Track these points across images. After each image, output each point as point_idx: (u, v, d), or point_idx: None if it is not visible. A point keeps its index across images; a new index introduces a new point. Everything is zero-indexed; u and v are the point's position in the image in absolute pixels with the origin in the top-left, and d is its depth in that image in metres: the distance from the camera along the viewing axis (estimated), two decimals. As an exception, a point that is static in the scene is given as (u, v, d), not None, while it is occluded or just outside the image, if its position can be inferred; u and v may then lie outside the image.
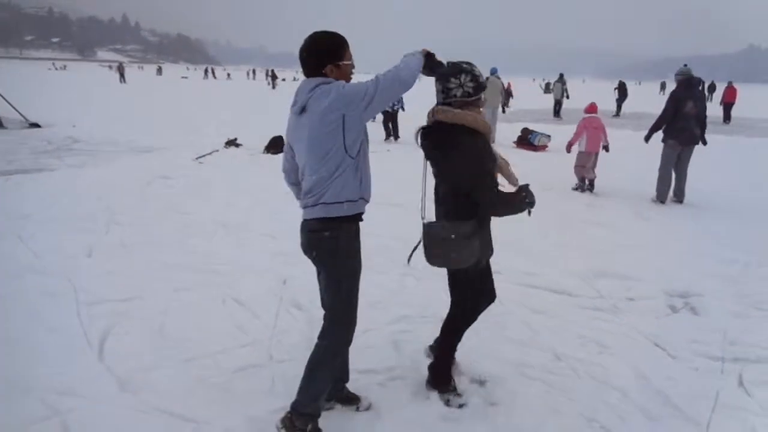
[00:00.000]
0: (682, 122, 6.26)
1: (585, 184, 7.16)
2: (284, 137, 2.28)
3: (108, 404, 2.47)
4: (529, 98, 29.23)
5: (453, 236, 2.26)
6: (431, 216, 2.44)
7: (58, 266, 4.02)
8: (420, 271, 3.93)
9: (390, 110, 11.25)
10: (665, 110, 6.40)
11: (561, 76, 20.35)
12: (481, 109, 2.37)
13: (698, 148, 6.54)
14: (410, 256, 2.43)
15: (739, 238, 5.18)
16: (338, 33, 2.05)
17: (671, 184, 6.58)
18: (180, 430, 2.32)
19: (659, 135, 6.58)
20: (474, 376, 2.75)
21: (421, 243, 2.38)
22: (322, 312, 2.27)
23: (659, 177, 6.58)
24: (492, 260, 4.56)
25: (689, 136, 6.32)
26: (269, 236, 4.93)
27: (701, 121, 6.36)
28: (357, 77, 2.13)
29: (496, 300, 3.65)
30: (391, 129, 11.57)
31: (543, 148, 10.94)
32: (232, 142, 10.11)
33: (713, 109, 21.89)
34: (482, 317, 3.41)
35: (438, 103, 2.31)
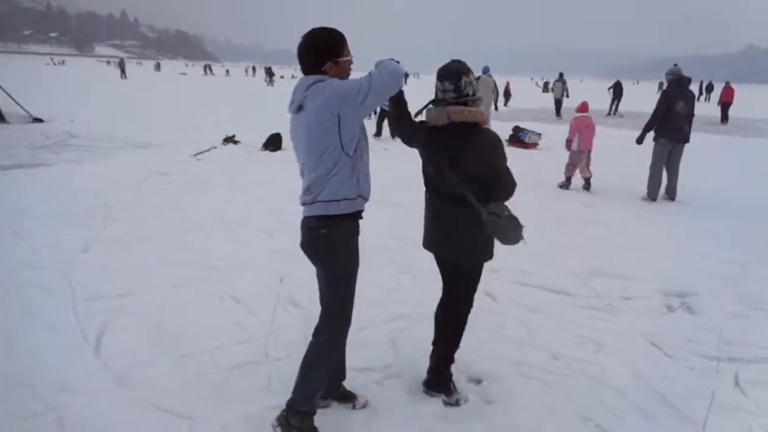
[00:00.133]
0: (674, 121, 6.36)
1: (571, 183, 7.24)
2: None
3: (104, 400, 2.47)
4: (528, 97, 29.24)
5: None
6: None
7: (55, 261, 4.01)
8: (416, 269, 3.94)
9: (385, 108, 11.21)
10: (657, 110, 6.48)
11: (561, 75, 20.36)
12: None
13: (695, 147, 6.58)
14: None
15: (736, 237, 5.19)
16: (336, 29, 2.05)
17: (662, 182, 6.68)
18: (176, 427, 2.31)
19: (651, 133, 6.65)
20: (471, 375, 2.75)
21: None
22: (318, 309, 2.27)
23: (650, 175, 6.68)
24: (490, 259, 4.55)
25: (681, 135, 6.43)
26: (267, 233, 4.93)
27: (690, 119, 6.48)
28: (355, 75, 2.13)
29: (494, 299, 3.67)
30: (383, 128, 11.55)
31: (534, 145, 11.12)
32: (230, 139, 10.08)
33: (711, 109, 21.99)
34: (480, 316, 3.42)
35: (448, 103, 2.28)
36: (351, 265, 2.17)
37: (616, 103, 20.84)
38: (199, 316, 3.29)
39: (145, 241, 4.56)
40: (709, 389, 2.66)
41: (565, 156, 7.33)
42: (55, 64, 68.32)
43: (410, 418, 2.43)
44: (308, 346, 2.22)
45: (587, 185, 7.17)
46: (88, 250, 4.33)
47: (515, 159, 9.37)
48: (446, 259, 2.53)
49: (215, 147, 9.56)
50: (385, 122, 11.68)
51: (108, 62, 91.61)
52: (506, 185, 2.30)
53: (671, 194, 6.71)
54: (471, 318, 3.29)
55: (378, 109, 10.93)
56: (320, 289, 2.24)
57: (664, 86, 7.11)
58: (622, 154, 8.91)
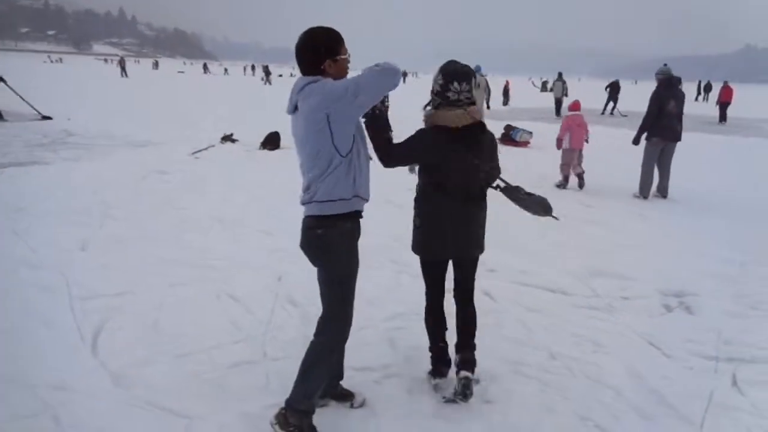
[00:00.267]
0: (666, 120, 6.47)
1: (568, 182, 7.29)
2: None
3: (101, 399, 2.46)
4: (527, 97, 29.25)
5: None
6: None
7: (53, 260, 4.00)
8: (415, 269, 3.92)
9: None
10: (650, 110, 6.58)
11: (560, 75, 20.38)
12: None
13: (694, 147, 6.61)
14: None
15: (735, 237, 5.19)
16: (333, 28, 2.06)
17: (654, 180, 6.76)
18: (173, 426, 2.31)
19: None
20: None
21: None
22: (317, 309, 2.26)
23: (642, 173, 6.76)
24: (488, 259, 4.57)
25: (673, 134, 6.54)
26: (265, 232, 4.92)
27: (681, 118, 6.59)
28: (353, 74, 2.12)
29: (493, 299, 3.67)
30: None
31: (525, 144, 11.23)
32: (228, 138, 10.06)
33: (709, 109, 22.01)
34: (478, 316, 3.41)
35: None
36: (349, 265, 2.16)
37: (612, 102, 20.83)
38: (197, 315, 3.28)
39: (143, 240, 4.55)
40: (707, 389, 2.66)
41: (560, 155, 7.34)
42: (52, 62, 68.12)
43: (408, 417, 2.42)
44: (309, 346, 2.22)
45: (581, 181, 7.24)
46: (86, 249, 4.31)
47: (512, 158, 9.47)
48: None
49: (213, 146, 9.54)
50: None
51: (106, 60, 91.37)
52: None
53: (663, 192, 6.79)
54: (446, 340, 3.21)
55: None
56: (320, 289, 2.23)
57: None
58: (621, 153, 8.92)
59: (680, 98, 6.59)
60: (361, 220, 2.19)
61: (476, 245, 2.59)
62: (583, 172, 7.23)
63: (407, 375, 2.73)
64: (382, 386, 2.64)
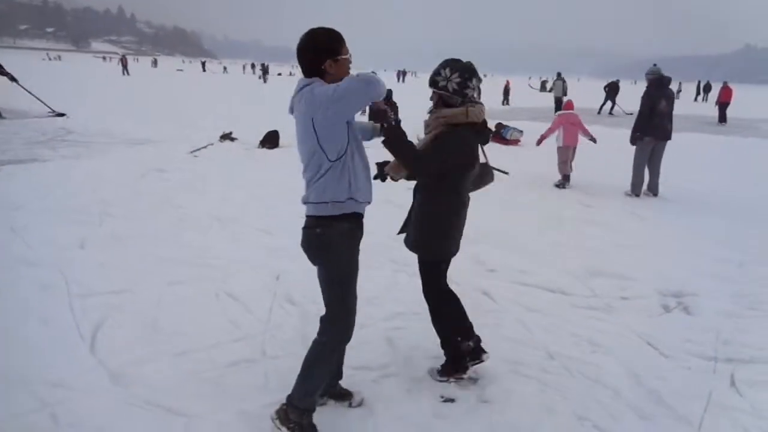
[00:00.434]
0: (657, 119, 6.60)
1: (569, 181, 7.34)
2: None
3: (99, 397, 2.46)
4: (528, 97, 29.26)
5: None
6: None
7: (51, 258, 3.99)
8: (413, 268, 3.93)
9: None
10: (642, 109, 6.70)
11: (559, 74, 20.39)
12: None
13: (694, 147, 6.64)
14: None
15: (734, 237, 5.20)
16: (334, 28, 2.07)
17: (645, 178, 6.87)
18: (172, 424, 2.31)
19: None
20: (468, 374, 2.75)
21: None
22: (316, 307, 2.27)
23: (634, 172, 6.87)
24: (487, 258, 4.59)
25: (663, 133, 6.68)
26: (264, 231, 4.91)
27: (671, 117, 6.75)
28: (352, 72, 2.12)
29: (492, 298, 3.67)
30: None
31: (515, 142, 11.29)
32: (227, 136, 10.05)
33: (709, 109, 22.02)
34: (477, 315, 3.42)
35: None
36: (348, 265, 2.17)
37: (610, 102, 20.81)
38: (196, 313, 3.28)
39: (142, 239, 4.54)
40: (705, 389, 2.66)
41: (545, 152, 7.41)
42: (51, 59, 67.98)
43: (406, 416, 2.42)
44: (311, 345, 2.23)
45: (567, 180, 7.36)
46: (85, 247, 4.31)
47: (505, 156, 9.53)
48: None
49: (212, 144, 9.53)
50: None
51: (104, 58, 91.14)
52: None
53: (654, 190, 6.91)
54: (469, 317, 3.30)
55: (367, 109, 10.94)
56: (321, 288, 2.24)
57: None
58: (620, 153, 8.91)
59: (670, 98, 6.75)
60: (361, 220, 2.19)
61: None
62: (572, 171, 7.34)
63: (406, 374, 2.73)
64: (381, 386, 2.64)
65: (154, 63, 67.04)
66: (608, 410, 2.50)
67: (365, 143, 2.25)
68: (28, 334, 2.96)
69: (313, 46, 2.03)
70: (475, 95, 2.40)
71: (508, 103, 23.89)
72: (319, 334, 2.23)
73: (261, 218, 5.28)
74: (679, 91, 40.59)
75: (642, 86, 7.19)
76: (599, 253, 4.61)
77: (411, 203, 2.64)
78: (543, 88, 37.72)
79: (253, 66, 63.70)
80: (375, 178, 2.41)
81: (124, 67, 38.45)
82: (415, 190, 2.59)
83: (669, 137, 6.74)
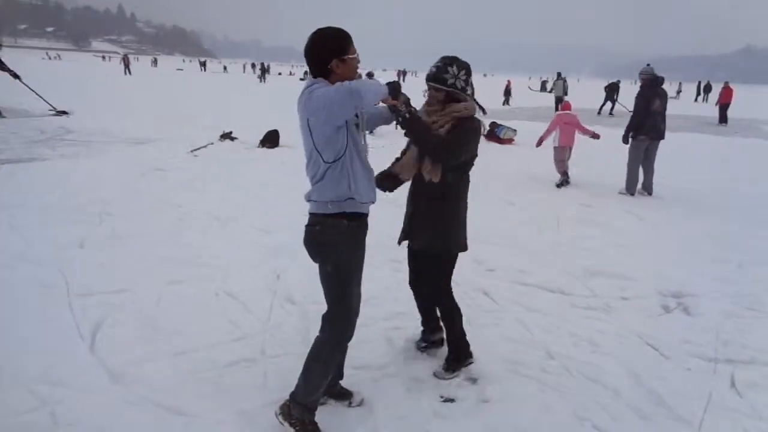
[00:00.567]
0: (651, 119, 6.68)
1: (568, 177, 7.42)
2: None
3: (98, 396, 2.45)
4: (529, 97, 29.26)
5: None
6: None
7: (51, 257, 3.99)
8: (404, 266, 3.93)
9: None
10: (637, 109, 6.79)
11: (559, 74, 20.40)
12: None
13: (694, 147, 6.66)
14: None
15: (733, 238, 5.20)
16: (341, 28, 2.07)
17: (639, 177, 6.94)
18: (171, 423, 2.30)
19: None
20: (467, 374, 2.75)
21: None
22: (315, 306, 2.28)
23: (629, 171, 6.95)
24: (487, 258, 4.58)
25: (657, 132, 6.76)
26: (264, 231, 4.91)
27: (665, 117, 6.82)
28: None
29: (491, 298, 3.67)
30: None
31: (509, 141, 11.36)
32: (227, 136, 10.04)
33: (709, 110, 22.01)
34: (477, 315, 3.42)
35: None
36: (347, 264, 2.17)
37: (610, 103, 20.81)
38: (196, 313, 3.27)
39: (142, 238, 4.54)
40: (705, 390, 2.66)
41: (537, 150, 7.51)
42: (50, 58, 67.94)
43: (406, 416, 2.42)
44: (313, 342, 2.25)
45: (566, 178, 7.44)
46: (84, 246, 4.30)
47: (501, 156, 9.56)
48: None
49: (212, 143, 9.52)
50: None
51: (104, 57, 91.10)
52: None
53: (648, 189, 6.97)
54: (468, 316, 3.30)
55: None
56: (322, 286, 2.25)
57: (666, 87, 7.20)
58: (619, 153, 8.92)
59: (664, 97, 6.82)
60: (364, 220, 2.21)
61: None
62: (567, 168, 7.43)
63: (406, 374, 2.73)
64: (381, 385, 2.63)
65: (154, 62, 67.01)
66: (608, 410, 2.50)
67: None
68: (27, 333, 2.95)
69: (319, 45, 2.04)
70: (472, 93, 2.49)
71: (508, 104, 23.86)
72: (320, 331, 2.25)
73: (261, 218, 5.27)
74: (679, 91, 40.61)
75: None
76: (599, 253, 4.61)
77: (410, 209, 2.63)
78: (543, 88, 37.70)
79: (253, 66, 63.69)
80: (380, 188, 2.42)
81: (126, 66, 38.37)
82: (415, 194, 2.58)
83: (662, 136, 6.84)
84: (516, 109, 21.31)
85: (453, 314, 2.72)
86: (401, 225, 2.70)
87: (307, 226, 2.19)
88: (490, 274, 4.07)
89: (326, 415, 2.35)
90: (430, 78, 2.45)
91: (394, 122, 2.41)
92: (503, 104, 23.59)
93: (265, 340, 3.00)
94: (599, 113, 19.98)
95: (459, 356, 2.76)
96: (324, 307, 2.24)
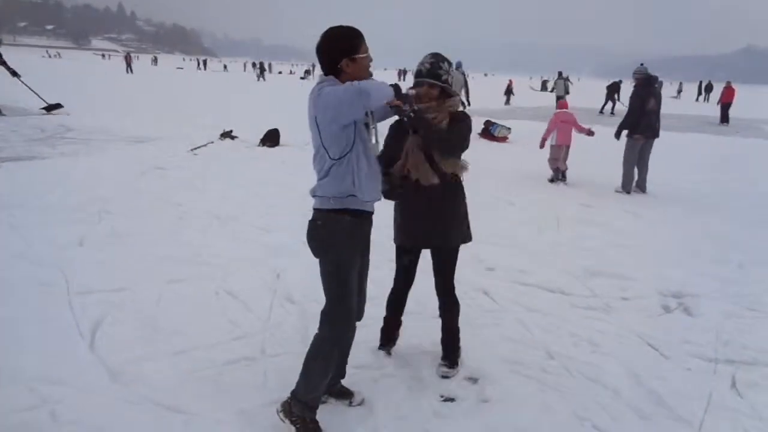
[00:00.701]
0: (646, 118, 6.78)
1: (559, 175, 7.51)
2: None
3: (98, 395, 2.45)
4: (531, 96, 29.23)
5: None
6: None
7: (51, 256, 3.98)
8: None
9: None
10: (632, 108, 6.91)
11: (560, 74, 20.37)
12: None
13: (695, 147, 6.68)
14: None
15: (734, 238, 5.19)
16: (353, 27, 2.09)
17: (635, 176, 7.01)
18: (171, 422, 2.30)
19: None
20: (467, 374, 2.75)
21: None
22: (315, 306, 2.28)
23: (624, 170, 7.02)
24: (487, 258, 4.57)
25: (652, 131, 6.86)
26: (264, 229, 4.91)
27: (659, 115, 6.93)
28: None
29: (491, 298, 3.66)
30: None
31: (503, 139, 11.55)
32: (227, 134, 10.04)
33: (710, 109, 22.01)
34: (476, 314, 3.42)
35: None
36: (346, 260, 2.17)
37: (611, 102, 20.79)
38: (195, 312, 3.27)
39: (141, 237, 4.53)
40: (705, 391, 2.66)
41: (529, 149, 7.56)
42: (50, 56, 67.93)
43: (406, 416, 2.42)
44: (312, 339, 2.26)
45: (563, 177, 7.52)
46: (83, 245, 4.30)
47: (495, 154, 9.61)
48: None
49: (212, 142, 9.52)
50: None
51: (103, 56, 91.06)
52: None
53: (642, 187, 7.06)
54: (468, 316, 3.30)
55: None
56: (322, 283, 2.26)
57: (663, 86, 7.29)
58: (619, 153, 8.93)
59: (658, 96, 6.93)
60: (368, 218, 2.22)
61: None
62: (566, 168, 7.50)
63: (406, 374, 2.73)
64: (381, 385, 2.63)
65: (154, 61, 66.97)
66: (608, 410, 2.50)
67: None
68: (27, 331, 2.95)
69: (329, 44, 2.06)
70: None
71: (509, 103, 23.83)
72: (319, 328, 2.25)
73: (261, 217, 5.27)
74: (679, 91, 40.55)
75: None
76: (599, 253, 4.60)
77: (421, 210, 2.55)
78: (544, 87, 37.67)
79: (254, 64, 63.71)
80: (387, 197, 2.42)
81: (129, 65, 38.35)
82: (426, 195, 2.52)
83: (657, 135, 6.93)
84: (517, 109, 21.29)
85: (457, 308, 2.77)
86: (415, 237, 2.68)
87: (309, 221, 2.21)
88: (490, 273, 4.07)
89: (327, 414, 2.35)
90: (425, 74, 2.45)
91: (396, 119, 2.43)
92: (505, 104, 23.57)
93: (265, 339, 2.99)
94: (601, 112, 19.97)
95: (456, 349, 2.81)
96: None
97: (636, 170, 7.00)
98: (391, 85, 2.19)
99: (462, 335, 2.86)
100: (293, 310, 3.35)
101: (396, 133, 2.55)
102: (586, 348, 3.05)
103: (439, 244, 2.64)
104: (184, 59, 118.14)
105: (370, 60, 2.12)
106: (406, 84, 2.58)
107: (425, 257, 2.74)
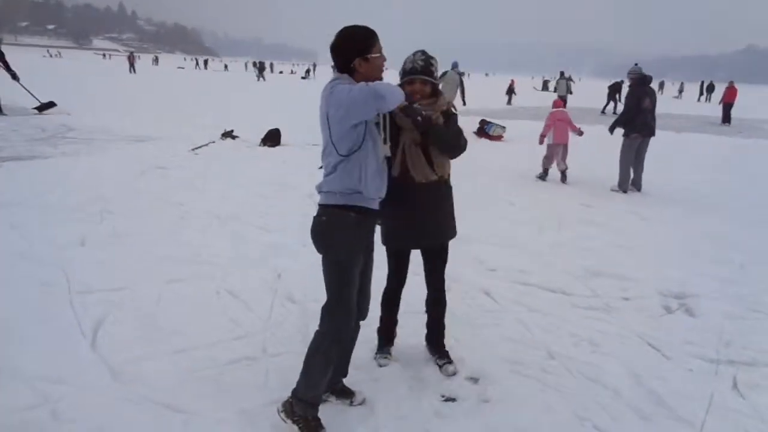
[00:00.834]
0: (642, 117, 6.84)
1: (548, 174, 7.61)
2: None
3: (99, 394, 2.45)
4: (532, 96, 29.22)
5: None
6: None
7: (52, 255, 3.98)
8: (412, 266, 3.92)
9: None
10: (628, 106, 7.00)
11: (562, 73, 20.34)
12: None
13: (696, 147, 6.70)
14: None
15: (735, 238, 5.19)
16: (367, 27, 2.11)
17: (631, 174, 7.06)
18: (171, 422, 2.30)
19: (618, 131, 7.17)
20: (468, 374, 2.74)
21: None
22: (316, 305, 2.28)
23: (621, 169, 7.08)
24: (488, 258, 4.57)
25: (648, 129, 6.92)
26: (264, 229, 4.91)
27: (654, 114, 7.02)
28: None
29: (492, 298, 3.66)
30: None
31: (498, 137, 11.72)
32: (228, 134, 10.04)
33: (711, 109, 21.98)
34: (477, 314, 3.42)
35: None
36: (348, 256, 2.18)
37: (612, 102, 20.77)
38: (196, 311, 3.27)
39: (142, 236, 4.54)
40: (707, 391, 2.66)
41: (525, 148, 7.61)
42: (51, 56, 67.97)
43: (407, 415, 2.42)
44: (313, 336, 2.26)
45: (563, 177, 7.54)
46: (84, 244, 4.30)
47: (489, 152, 9.68)
48: None
49: (213, 142, 9.52)
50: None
51: (104, 55, 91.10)
52: None
53: (637, 186, 7.11)
54: (469, 316, 3.30)
55: None
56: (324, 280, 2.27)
57: (665, 86, 7.34)
58: (618, 153, 8.95)
59: (653, 95, 6.99)
60: (373, 215, 2.22)
61: None
62: (567, 168, 7.51)
63: (406, 374, 2.73)
64: (382, 384, 2.63)
65: (155, 60, 66.98)
66: (608, 410, 2.49)
67: None
68: (28, 329, 2.95)
69: (343, 44, 2.09)
70: None
71: (510, 103, 23.81)
72: (319, 324, 2.26)
73: (261, 216, 5.27)
74: (681, 90, 40.51)
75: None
76: (600, 253, 4.60)
77: (415, 211, 2.53)
78: (545, 87, 37.66)
79: (255, 64, 63.77)
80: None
81: (132, 65, 38.34)
82: (422, 195, 2.51)
83: (653, 133, 7.00)
84: (519, 109, 21.29)
85: (445, 302, 2.81)
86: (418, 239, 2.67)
87: (314, 216, 2.22)
88: (490, 273, 4.07)
89: (328, 413, 2.34)
90: (420, 72, 2.44)
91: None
92: (507, 104, 23.56)
93: (266, 339, 2.99)
94: (603, 112, 19.96)
95: (444, 343, 2.85)
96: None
97: (632, 169, 7.04)
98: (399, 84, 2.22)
99: (462, 335, 2.87)
100: (294, 310, 3.35)
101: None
102: (587, 348, 3.05)
103: (434, 242, 2.65)
104: (185, 59, 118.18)
105: (384, 60, 2.15)
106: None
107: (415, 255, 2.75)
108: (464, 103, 13.17)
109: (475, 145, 9.93)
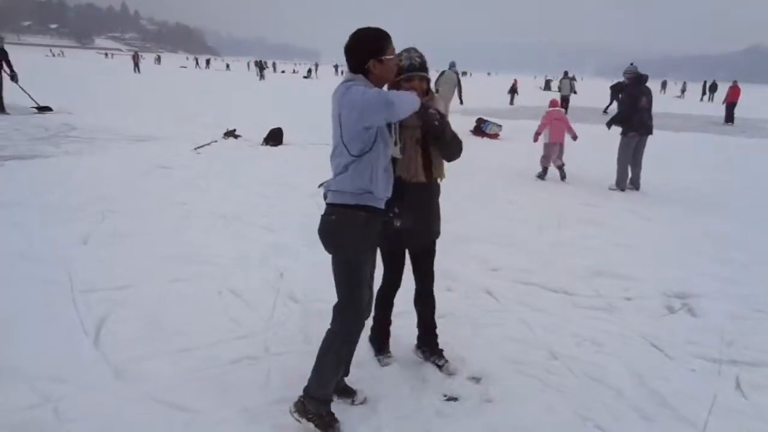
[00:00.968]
0: (639, 116, 6.89)
1: (547, 173, 7.66)
2: None
3: (101, 393, 2.46)
4: (535, 96, 29.17)
5: None
6: None
7: (54, 254, 3.99)
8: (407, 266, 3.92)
9: None
10: (625, 105, 7.08)
11: (566, 73, 20.29)
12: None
13: (697, 147, 6.68)
14: None
15: (737, 238, 5.18)
16: (380, 28, 2.13)
17: (629, 173, 7.08)
18: (173, 421, 2.30)
19: (615, 129, 7.25)
20: (470, 374, 2.74)
21: None
22: (318, 305, 2.28)
23: (619, 167, 7.11)
24: (490, 257, 4.56)
25: (646, 128, 6.96)
26: (266, 228, 4.91)
27: (651, 113, 7.05)
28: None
29: (494, 298, 3.66)
30: None
31: (494, 136, 11.90)
32: (230, 133, 10.05)
33: (714, 109, 21.92)
34: (479, 314, 3.42)
35: None
36: (356, 253, 2.19)
37: (615, 102, 20.71)
38: (198, 311, 3.27)
39: (144, 236, 4.54)
40: (710, 392, 2.65)
41: (522, 146, 7.65)
42: (54, 55, 68.11)
43: (408, 415, 2.41)
44: (324, 335, 2.27)
45: (562, 173, 7.60)
46: (87, 243, 4.31)
47: (486, 150, 9.71)
48: None
49: (216, 141, 9.53)
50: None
51: (106, 55, 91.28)
52: None
53: (635, 184, 7.13)
54: (471, 316, 3.30)
55: None
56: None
57: (667, 85, 7.34)
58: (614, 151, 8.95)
59: (649, 94, 7.01)
60: (380, 214, 2.22)
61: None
62: (563, 164, 7.57)
63: (408, 373, 2.72)
64: (383, 384, 2.63)
65: (158, 60, 67.09)
66: (610, 410, 2.49)
67: None
68: (30, 328, 2.96)
69: (357, 45, 2.11)
70: None
71: (513, 103, 23.77)
72: (331, 323, 2.27)
73: (264, 216, 5.27)
74: (683, 90, 40.42)
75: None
76: (601, 253, 4.59)
77: (411, 212, 2.51)
78: (547, 87, 37.62)
79: (257, 63, 63.83)
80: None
81: (136, 64, 38.44)
82: (420, 196, 2.51)
83: (651, 132, 7.03)
84: (520, 108, 21.27)
85: (434, 299, 2.80)
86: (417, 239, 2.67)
87: (322, 215, 2.22)
88: (492, 273, 4.06)
89: (329, 413, 2.35)
90: (418, 68, 2.42)
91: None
92: (510, 103, 23.52)
93: (267, 338, 2.99)
94: (605, 112, 19.92)
95: (438, 342, 2.83)
96: (327, 305, 2.24)
97: (629, 168, 7.07)
98: None
99: (464, 335, 2.86)
100: (296, 309, 3.35)
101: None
102: (589, 348, 3.04)
103: (426, 241, 2.66)
104: (187, 58, 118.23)
105: (398, 61, 2.17)
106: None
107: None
108: (461, 102, 13.26)
109: (472, 143, 9.94)
